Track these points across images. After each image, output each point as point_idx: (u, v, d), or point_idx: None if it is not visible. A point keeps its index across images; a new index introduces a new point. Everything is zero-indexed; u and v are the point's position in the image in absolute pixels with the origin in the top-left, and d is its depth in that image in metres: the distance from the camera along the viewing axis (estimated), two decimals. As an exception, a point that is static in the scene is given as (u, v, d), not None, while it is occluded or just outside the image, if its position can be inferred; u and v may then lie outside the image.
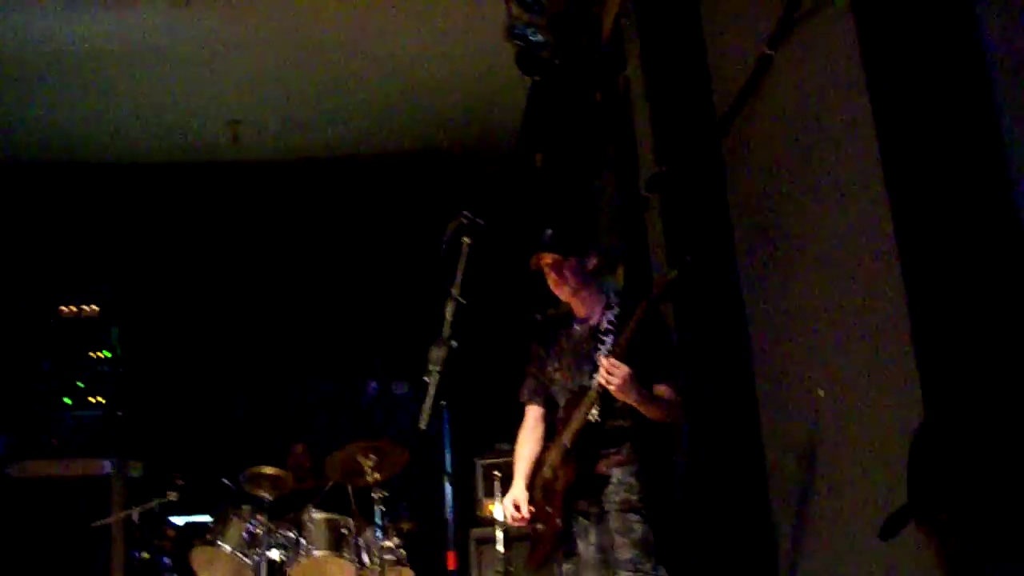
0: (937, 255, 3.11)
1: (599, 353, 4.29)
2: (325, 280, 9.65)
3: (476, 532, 7.14)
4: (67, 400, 8.40)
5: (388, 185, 9.33)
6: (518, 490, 4.62)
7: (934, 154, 3.17)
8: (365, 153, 9.11)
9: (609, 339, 4.36)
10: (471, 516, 7.37)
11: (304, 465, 7.80)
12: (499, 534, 5.10)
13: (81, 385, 8.46)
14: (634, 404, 4.20)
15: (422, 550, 6.60)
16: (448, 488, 3.23)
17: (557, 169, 7.76)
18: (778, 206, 4.22)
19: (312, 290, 9.68)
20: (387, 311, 9.08)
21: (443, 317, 3.46)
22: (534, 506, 4.61)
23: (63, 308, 8.64)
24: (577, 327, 4.67)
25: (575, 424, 4.36)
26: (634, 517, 4.30)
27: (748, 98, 4.44)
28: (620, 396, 4.15)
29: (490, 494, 6.74)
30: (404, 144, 8.95)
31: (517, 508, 4.56)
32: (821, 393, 3.96)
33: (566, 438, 4.41)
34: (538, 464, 4.64)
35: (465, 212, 3.72)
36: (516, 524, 4.58)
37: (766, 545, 4.47)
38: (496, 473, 6.77)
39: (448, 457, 3.27)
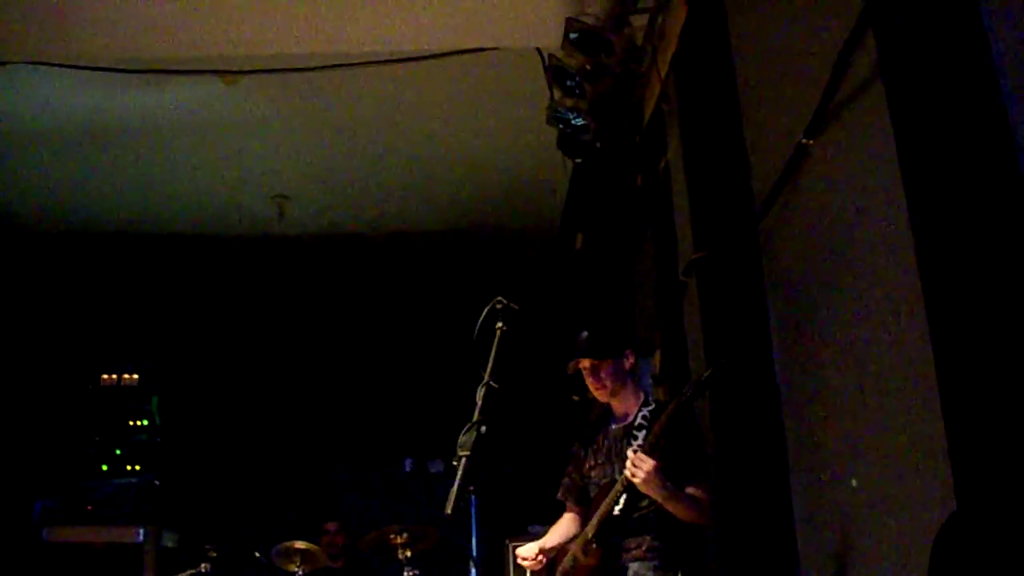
0: (972, 346, 3.10)
1: (629, 449, 4.27)
2: (363, 356, 9.71)
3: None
4: (104, 467, 8.45)
5: (428, 263, 9.40)
6: (537, 543, 4.73)
7: (969, 247, 3.18)
8: (407, 230, 9.17)
9: (642, 435, 4.38)
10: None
11: (337, 543, 7.79)
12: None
13: (119, 453, 8.52)
14: (659, 499, 4.17)
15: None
16: (473, 572, 3.22)
17: (597, 251, 7.79)
18: (813, 293, 4.22)
19: (350, 366, 9.74)
20: (424, 389, 9.11)
21: (475, 401, 3.47)
22: None
23: (104, 376, 8.73)
24: (614, 425, 4.70)
25: (599, 515, 4.37)
26: None
27: (785, 186, 4.46)
28: (645, 489, 4.13)
29: (520, 576, 6.70)
30: (446, 223, 9.01)
31: (533, 556, 4.64)
32: (854, 483, 3.93)
33: (589, 529, 4.43)
34: (562, 553, 4.67)
35: (500, 298, 3.75)
36: (527, 565, 4.63)
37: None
38: (527, 556, 6.74)
39: (475, 542, 3.25)
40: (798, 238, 4.44)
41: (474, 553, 3.23)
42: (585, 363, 4.61)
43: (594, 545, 4.38)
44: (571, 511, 4.90)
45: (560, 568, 4.61)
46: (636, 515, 4.37)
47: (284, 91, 6.94)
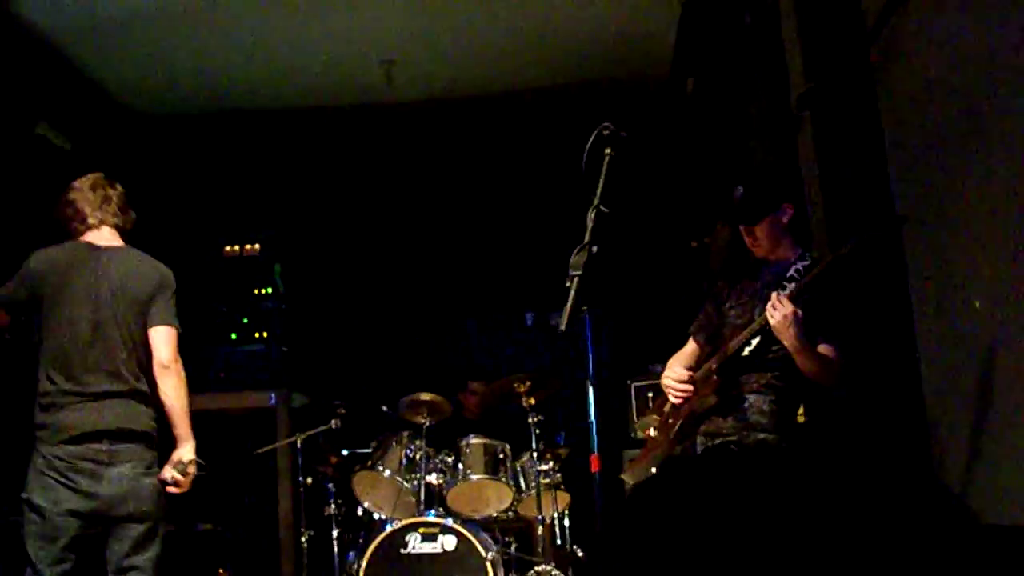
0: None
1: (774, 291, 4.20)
2: (480, 218, 9.77)
3: (629, 453, 7.20)
4: (233, 336, 8.70)
5: (540, 121, 9.33)
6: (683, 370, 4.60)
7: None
8: (517, 89, 9.09)
9: (792, 286, 4.28)
10: (625, 438, 7.43)
11: (479, 401, 7.93)
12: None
13: (246, 321, 8.74)
14: (790, 347, 4.10)
15: (579, 473, 6.70)
16: (591, 391, 3.23)
17: (709, 95, 7.67)
18: (935, 123, 4.09)
19: (467, 228, 9.82)
20: (541, 245, 9.15)
21: (585, 224, 3.45)
22: (660, 419, 4.64)
23: (227, 248, 8.93)
24: (768, 274, 4.57)
25: (726, 349, 4.36)
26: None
27: (896, 7, 4.32)
28: (778, 333, 4.08)
29: (643, 415, 6.76)
30: (555, 78, 8.90)
31: (676, 371, 4.55)
32: (978, 305, 3.89)
33: (713, 361, 4.42)
34: None
35: (606, 124, 3.69)
36: (678, 390, 4.51)
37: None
38: (649, 395, 6.83)
39: (591, 361, 3.26)
40: (914, 59, 4.32)
41: (591, 372, 3.24)
42: (740, 227, 4.55)
43: (715, 377, 4.36)
44: (695, 346, 4.82)
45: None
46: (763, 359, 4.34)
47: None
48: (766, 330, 4.14)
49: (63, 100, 8.17)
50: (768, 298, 4.19)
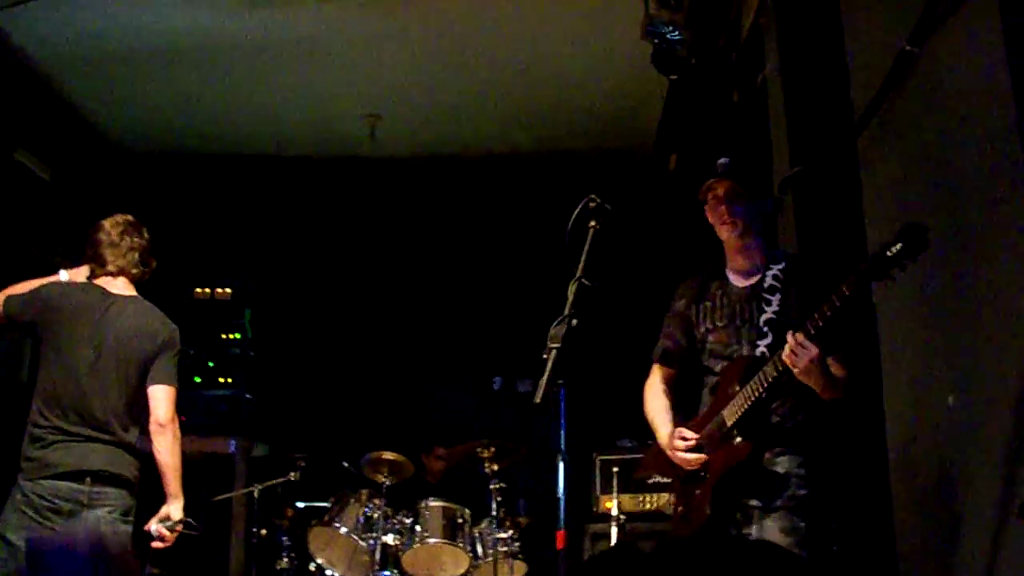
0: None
1: (790, 332, 3.72)
2: (454, 276, 9.74)
3: (592, 528, 7.11)
4: (197, 379, 8.61)
5: (521, 184, 9.35)
6: (675, 432, 4.13)
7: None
8: (500, 152, 9.12)
9: (775, 299, 4.03)
10: (588, 512, 7.36)
11: (443, 466, 7.86)
12: (614, 530, 5.06)
13: (212, 365, 8.66)
14: (816, 385, 3.75)
15: (537, 544, 6.61)
16: (561, 467, 3.18)
17: (691, 171, 7.69)
18: (916, 209, 4.09)
19: (441, 286, 9.78)
20: (513, 310, 9.11)
21: (566, 298, 3.41)
22: (675, 491, 4.25)
23: (198, 290, 8.87)
24: (735, 283, 4.22)
25: (741, 401, 3.90)
26: (800, 518, 3.89)
27: (886, 96, 4.33)
28: (804, 378, 3.70)
29: (607, 490, 6.70)
30: (539, 144, 8.94)
31: (684, 439, 4.07)
32: (951, 400, 3.86)
33: (728, 415, 3.96)
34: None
35: (592, 196, 3.66)
36: (685, 457, 4.04)
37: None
38: (614, 469, 6.76)
39: (563, 435, 3.21)
40: (900, 149, 4.33)
41: (563, 446, 3.19)
42: (721, 188, 4.14)
43: (739, 439, 3.92)
44: (667, 374, 4.42)
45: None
46: (782, 407, 3.99)
47: (380, 7, 6.89)
48: (785, 372, 3.74)
49: (45, 128, 8.12)
50: (753, 318, 4.02)
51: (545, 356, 3.23)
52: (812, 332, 3.63)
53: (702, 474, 4.03)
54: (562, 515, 3.32)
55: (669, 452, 4.14)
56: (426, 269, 9.76)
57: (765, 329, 4.03)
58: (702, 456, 4.01)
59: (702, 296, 4.29)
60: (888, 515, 4.36)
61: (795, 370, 3.66)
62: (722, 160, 4.21)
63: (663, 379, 4.45)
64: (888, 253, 3.40)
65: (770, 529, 3.84)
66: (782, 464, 3.96)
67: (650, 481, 6.31)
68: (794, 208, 5.49)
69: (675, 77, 6.65)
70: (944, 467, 3.92)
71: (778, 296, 4.04)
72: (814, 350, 3.61)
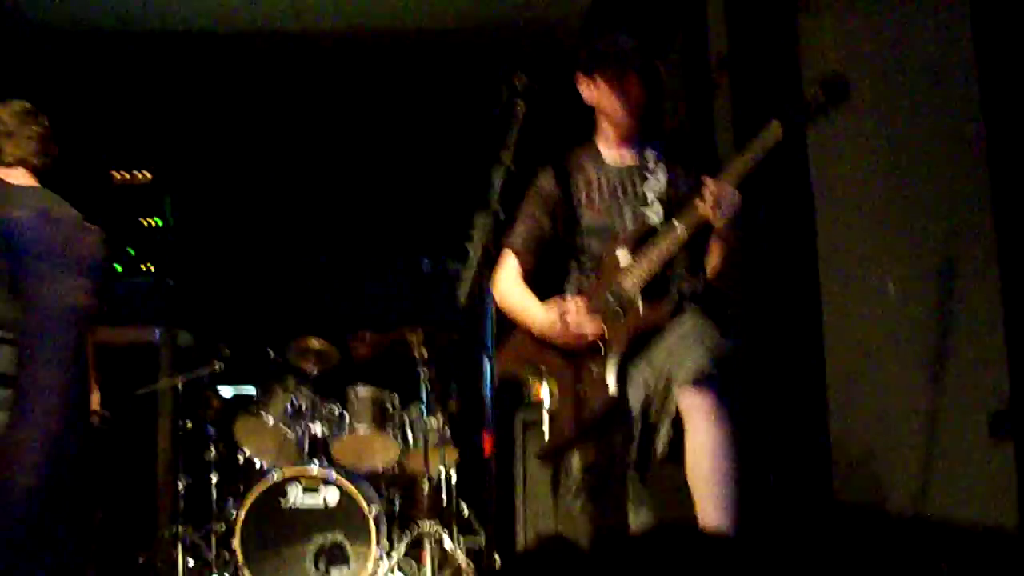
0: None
1: (709, 179, 3.50)
2: (381, 156, 9.48)
3: (523, 415, 7.03)
4: (118, 267, 8.34)
5: (449, 59, 9.08)
6: (566, 303, 3.79)
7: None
8: (427, 25, 8.84)
9: (662, 170, 3.82)
10: (518, 399, 7.26)
11: (369, 350, 7.71)
12: (545, 417, 4.93)
13: (132, 252, 8.39)
14: (732, 242, 3.61)
15: (470, 428, 6.53)
16: (488, 365, 3.03)
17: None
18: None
19: (368, 166, 9.52)
20: (443, 189, 8.91)
21: (491, 185, 3.20)
22: (558, 377, 3.84)
23: (115, 174, 8.54)
24: (613, 161, 3.96)
25: (644, 267, 3.64)
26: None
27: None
28: (721, 232, 3.55)
29: (538, 375, 6.57)
30: (468, 18, 8.68)
31: (576, 305, 3.75)
32: (891, 287, 3.78)
33: (628, 284, 3.68)
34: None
35: (519, 73, 3.44)
36: (583, 321, 3.71)
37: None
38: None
39: (490, 332, 3.05)
40: (840, 24, 4.18)
41: (489, 346, 3.03)
42: (634, 77, 3.83)
43: (645, 306, 3.62)
44: (528, 264, 4.05)
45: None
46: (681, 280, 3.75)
47: None
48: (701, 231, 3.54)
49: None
50: (639, 193, 3.79)
51: (470, 249, 3.03)
52: (733, 178, 3.48)
53: (600, 351, 3.69)
54: (489, 417, 3.17)
55: (553, 331, 3.80)
56: (352, 149, 9.48)
57: (653, 202, 3.83)
58: (598, 323, 3.69)
59: (574, 173, 4.00)
60: (823, 423, 4.31)
61: (717, 221, 3.47)
62: (632, 43, 3.90)
63: (519, 272, 4.08)
64: (808, 103, 3.37)
65: (688, 393, 3.42)
66: (688, 323, 3.65)
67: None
68: (731, 91, 5.35)
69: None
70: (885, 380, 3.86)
71: (664, 170, 3.86)
72: (738, 196, 3.46)
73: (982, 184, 3.04)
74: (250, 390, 6.97)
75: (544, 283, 4.10)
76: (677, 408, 3.40)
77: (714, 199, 3.42)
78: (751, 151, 3.45)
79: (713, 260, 3.78)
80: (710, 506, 3.27)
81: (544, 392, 3.96)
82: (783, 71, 4.75)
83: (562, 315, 3.77)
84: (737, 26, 5.31)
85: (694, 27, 5.97)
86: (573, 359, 3.79)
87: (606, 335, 3.67)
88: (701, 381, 3.33)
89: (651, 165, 3.88)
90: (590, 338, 3.70)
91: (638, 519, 3.70)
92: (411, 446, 6.58)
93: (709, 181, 3.47)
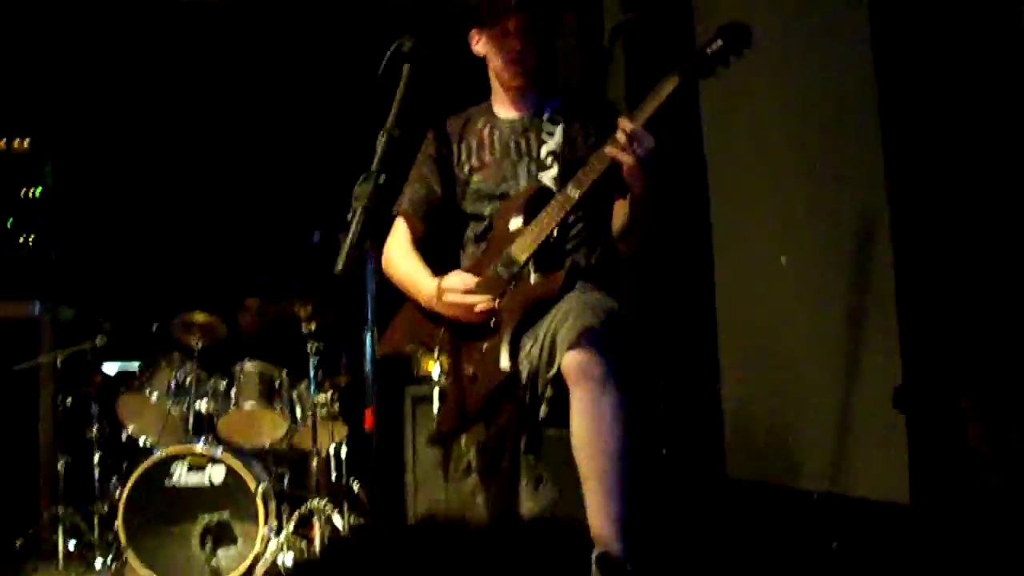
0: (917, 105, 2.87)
1: (621, 118, 3.28)
2: (267, 123, 9.25)
3: (412, 390, 6.88)
4: (-8, 237, 8.04)
5: (337, 20, 8.89)
6: (448, 278, 3.61)
7: None
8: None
9: (558, 129, 3.64)
10: (407, 374, 7.14)
11: (255, 321, 7.52)
12: (435, 392, 4.82)
13: (11, 223, 8.09)
14: (643, 191, 3.31)
15: (359, 403, 6.40)
16: (368, 339, 2.91)
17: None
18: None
19: (254, 134, 9.27)
20: (335, 160, 8.73)
21: (375, 151, 3.06)
22: (448, 353, 3.62)
23: (-8, 142, 8.22)
24: (507, 117, 3.80)
25: (536, 232, 3.46)
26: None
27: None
28: (632, 179, 3.26)
29: (428, 351, 6.47)
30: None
31: (463, 283, 3.57)
32: (783, 260, 3.73)
33: (517, 252, 3.50)
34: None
35: (405, 38, 3.30)
36: (470, 301, 3.53)
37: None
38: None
39: (370, 304, 2.93)
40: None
41: (369, 320, 2.91)
42: (515, 23, 3.61)
43: (537, 275, 3.46)
44: (416, 228, 3.90)
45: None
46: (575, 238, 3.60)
47: None
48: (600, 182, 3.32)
49: None
50: (531, 150, 3.62)
51: (349, 216, 2.89)
52: (644, 117, 3.24)
53: (490, 324, 3.51)
54: (370, 391, 3.05)
55: (440, 304, 3.65)
56: (238, 115, 9.23)
57: (549, 160, 3.65)
58: (487, 298, 3.50)
59: (465, 133, 3.85)
60: (716, 397, 4.27)
61: (626, 167, 3.23)
62: None
63: (409, 238, 3.94)
64: (708, 50, 3.19)
65: (572, 353, 3.22)
66: (576, 294, 3.50)
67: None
68: (625, 59, 5.28)
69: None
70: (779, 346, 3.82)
71: (561, 126, 3.66)
72: (650, 138, 3.21)
73: (875, 151, 3.00)
74: (134, 366, 6.74)
75: (442, 249, 3.96)
76: (560, 369, 3.22)
77: (627, 139, 3.20)
78: (656, 97, 3.24)
79: (618, 219, 3.59)
80: (595, 480, 3.13)
81: (434, 368, 3.77)
82: (678, 33, 4.69)
83: (450, 289, 3.61)
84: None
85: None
86: (463, 332, 3.61)
87: (497, 308, 3.50)
88: (587, 341, 3.16)
89: (547, 122, 3.71)
90: (480, 312, 3.53)
91: (536, 498, 3.54)
92: (300, 422, 6.44)
93: (624, 120, 3.26)
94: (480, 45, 3.81)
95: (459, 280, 3.61)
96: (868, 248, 3.21)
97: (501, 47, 3.70)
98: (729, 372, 4.39)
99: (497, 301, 3.49)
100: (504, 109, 3.84)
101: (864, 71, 2.96)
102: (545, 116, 3.72)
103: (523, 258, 3.47)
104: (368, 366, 2.95)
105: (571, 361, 3.15)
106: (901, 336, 3.00)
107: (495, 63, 3.78)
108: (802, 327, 3.62)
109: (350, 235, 2.81)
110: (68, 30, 8.81)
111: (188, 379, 6.36)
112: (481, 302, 3.51)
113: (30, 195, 8.15)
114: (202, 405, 6.32)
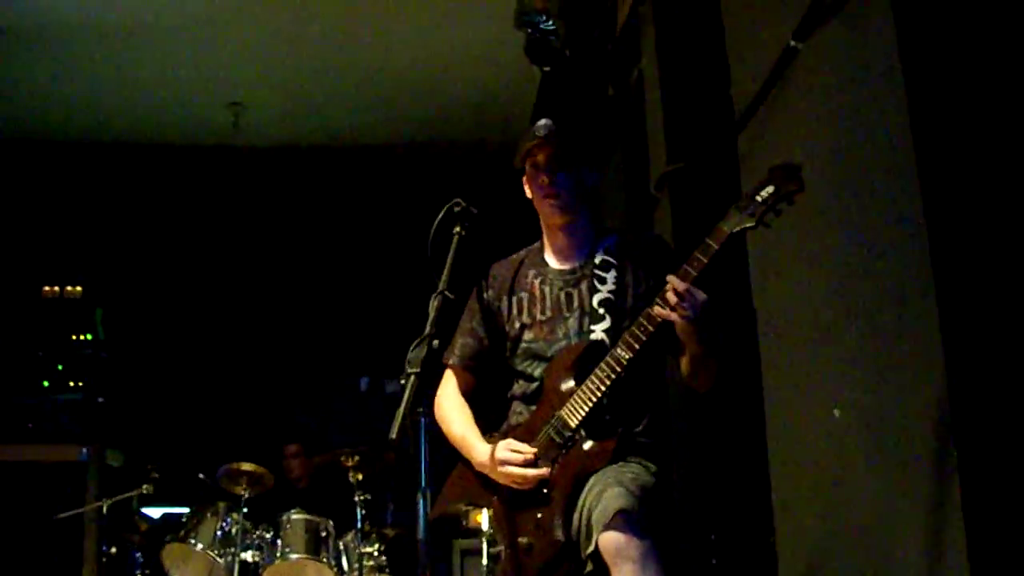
0: (970, 259, 2.85)
1: (670, 276, 3.11)
2: (319, 272, 9.38)
3: (461, 543, 6.83)
4: (46, 383, 8.11)
5: (389, 177, 9.07)
6: (502, 449, 3.42)
7: (973, 150, 2.90)
8: (367, 143, 8.85)
9: (610, 276, 3.48)
10: (456, 527, 7.07)
11: (297, 466, 7.51)
12: (484, 546, 4.76)
13: (61, 368, 8.17)
14: (703, 348, 3.22)
15: (406, 555, 6.33)
16: (421, 505, 2.85)
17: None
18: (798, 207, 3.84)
19: (305, 283, 9.41)
20: (382, 307, 8.79)
21: (428, 313, 3.04)
22: (500, 521, 3.51)
23: (46, 288, 8.37)
24: (558, 266, 3.61)
25: (586, 395, 3.30)
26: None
27: (769, 93, 4.12)
28: (686, 336, 3.17)
29: (478, 507, 6.41)
30: (408, 136, 8.71)
31: (517, 451, 3.38)
32: (837, 413, 3.67)
33: (568, 415, 3.34)
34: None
35: (458, 200, 3.30)
36: (521, 473, 3.36)
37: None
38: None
39: (423, 469, 2.89)
40: (783, 146, 4.13)
41: (423, 483, 2.87)
42: (542, 155, 3.50)
43: (591, 443, 3.29)
44: (466, 380, 3.73)
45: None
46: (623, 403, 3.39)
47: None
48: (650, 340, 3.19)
49: None
50: (584, 304, 3.45)
51: (402, 381, 2.86)
52: (694, 275, 3.08)
53: (544, 492, 3.36)
54: (423, 555, 3.00)
55: (494, 472, 3.47)
56: (289, 265, 9.38)
57: (601, 311, 3.46)
58: (543, 471, 3.35)
59: (516, 286, 3.66)
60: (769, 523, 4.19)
61: (680, 323, 3.11)
62: (543, 121, 3.55)
63: (461, 389, 3.75)
64: (758, 197, 3.04)
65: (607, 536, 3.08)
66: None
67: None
68: (671, 206, 5.30)
69: (548, 69, 6.43)
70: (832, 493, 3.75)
71: (613, 273, 3.49)
72: (701, 294, 3.08)
73: (930, 307, 2.97)
74: (179, 510, 6.71)
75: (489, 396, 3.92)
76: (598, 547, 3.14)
77: (677, 298, 3.09)
78: (706, 252, 3.09)
79: (684, 365, 3.41)
80: None
81: (483, 519, 3.70)
82: (725, 181, 4.70)
83: (507, 461, 3.43)
84: (676, 144, 5.29)
85: (635, 142, 5.97)
86: (516, 499, 3.52)
87: (550, 478, 3.35)
88: (622, 525, 3.04)
89: (600, 266, 3.55)
90: (533, 483, 3.38)
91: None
92: (347, 573, 6.35)
93: (674, 279, 3.10)
94: (525, 187, 3.76)
95: (514, 451, 3.43)
96: (923, 400, 3.16)
97: (535, 182, 3.58)
98: (782, 524, 4.31)
99: (549, 472, 3.41)
100: (554, 256, 3.66)
101: (918, 236, 2.94)
102: (598, 259, 3.54)
103: (575, 423, 3.33)
104: (421, 531, 2.90)
105: (608, 543, 3.05)
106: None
107: (536, 201, 3.64)
108: (861, 480, 3.55)
109: (403, 403, 2.77)
110: (124, 180, 9.03)
111: (234, 529, 6.31)
112: (537, 475, 3.36)
113: (81, 340, 8.27)
114: (247, 556, 6.25)
